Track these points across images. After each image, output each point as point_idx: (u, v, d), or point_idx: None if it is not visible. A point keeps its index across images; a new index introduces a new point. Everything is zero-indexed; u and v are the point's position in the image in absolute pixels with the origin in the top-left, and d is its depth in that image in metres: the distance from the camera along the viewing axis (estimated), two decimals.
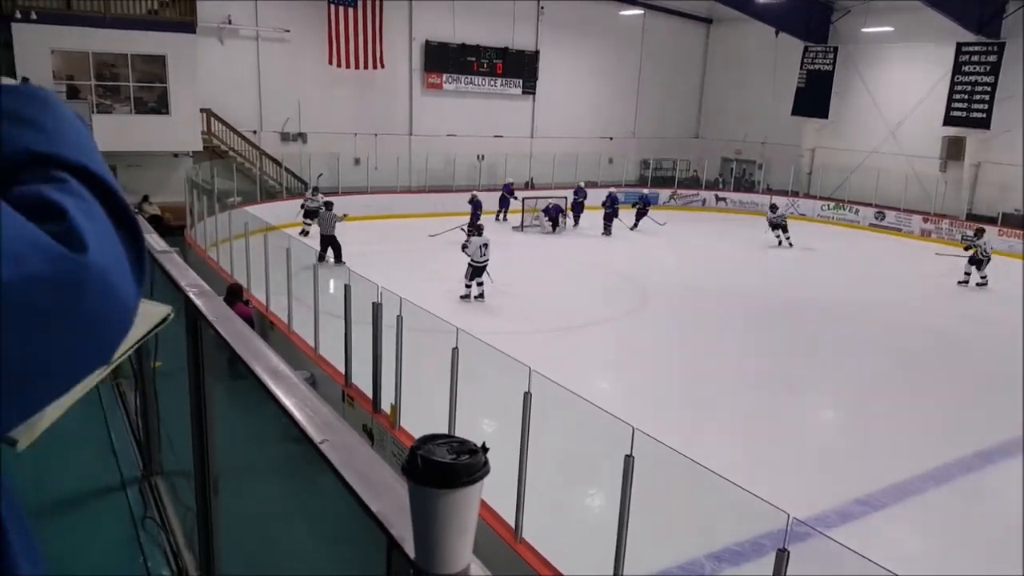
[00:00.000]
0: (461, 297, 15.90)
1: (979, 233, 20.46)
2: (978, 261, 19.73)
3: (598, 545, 5.93)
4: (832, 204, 30.16)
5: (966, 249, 20.23)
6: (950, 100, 27.10)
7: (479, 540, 1.00)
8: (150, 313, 1.19)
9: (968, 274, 19.89)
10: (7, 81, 0.85)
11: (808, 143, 32.12)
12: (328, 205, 19.44)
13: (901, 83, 29.08)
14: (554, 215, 24.88)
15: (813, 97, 31.26)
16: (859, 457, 9.99)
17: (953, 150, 27.57)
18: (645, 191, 27.33)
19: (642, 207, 25.80)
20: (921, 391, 12.58)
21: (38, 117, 0.78)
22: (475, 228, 17.07)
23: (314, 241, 18.32)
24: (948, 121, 27.25)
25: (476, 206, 22.43)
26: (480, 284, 15.95)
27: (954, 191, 27.42)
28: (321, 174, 25.60)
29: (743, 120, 34.11)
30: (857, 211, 29.31)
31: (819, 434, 11.32)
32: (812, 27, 30.93)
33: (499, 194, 26.28)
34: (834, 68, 30.65)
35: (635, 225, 25.56)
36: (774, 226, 23.98)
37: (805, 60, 31.38)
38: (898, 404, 11.91)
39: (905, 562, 7.08)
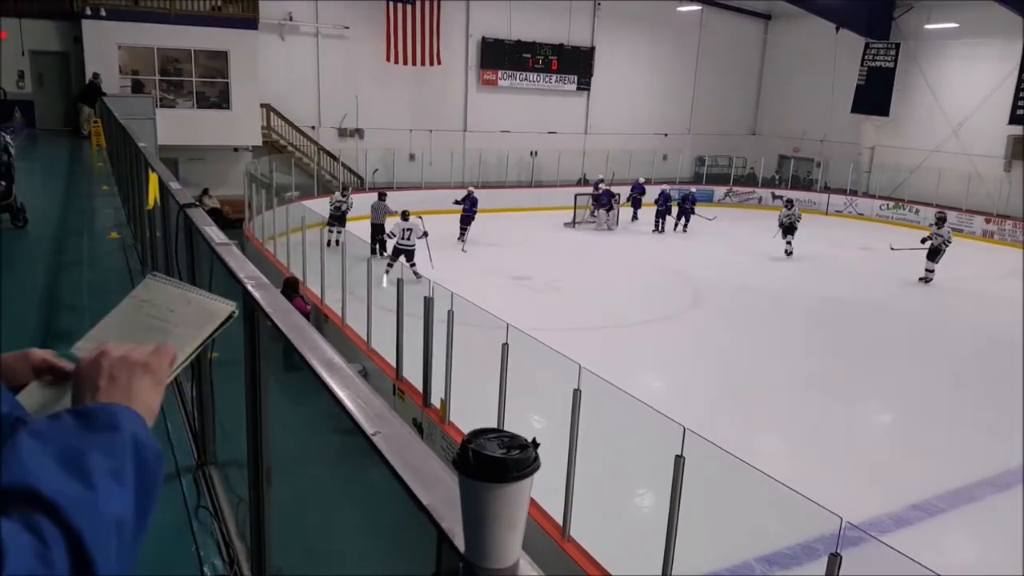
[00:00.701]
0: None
1: (940, 222, 19.13)
2: (935, 251, 18.53)
3: (646, 545, 5.89)
4: (891, 204, 29.45)
5: (923, 242, 18.97)
6: (1016, 98, 26.17)
7: (526, 537, 1.00)
8: (213, 311, 1.17)
9: (930, 271, 18.70)
10: None
11: (867, 141, 31.38)
12: (382, 195, 19.87)
13: (965, 81, 28.21)
14: (606, 201, 24.66)
15: (873, 95, 30.50)
16: (915, 461, 9.76)
17: (1018, 149, 26.68)
18: (692, 189, 26.80)
19: (687, 207, 25.33)
20: (980, 394, 12.23)
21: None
22: (402, 214, 17.19)
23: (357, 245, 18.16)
24: (1014, 120, 26.32)
25: (472, 203, 21.48)
26: (413, 266, 15.80)
27: (1018, 192, 26.54)
28: (376, 170, 25.90)
29: (801, 117, 33.45)
30: (917, 211, 28.52)
31: (874, 437, 11.08)
32: (873, 23, 30.16)
33: (627, 194, 25.93)
34: (895, 65, 29.85)
35: (685, 227, 25.20)
36: (785, 228, 21.64)
37: (866, 57, 30.64)
38: (956, 407, 11.61)
39: (961, 570, 6.91)
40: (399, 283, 9.87)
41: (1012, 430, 10.82)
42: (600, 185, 25.76)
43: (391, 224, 16.83)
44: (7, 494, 0.74)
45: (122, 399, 0.92)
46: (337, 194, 20.25)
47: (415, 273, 14.97)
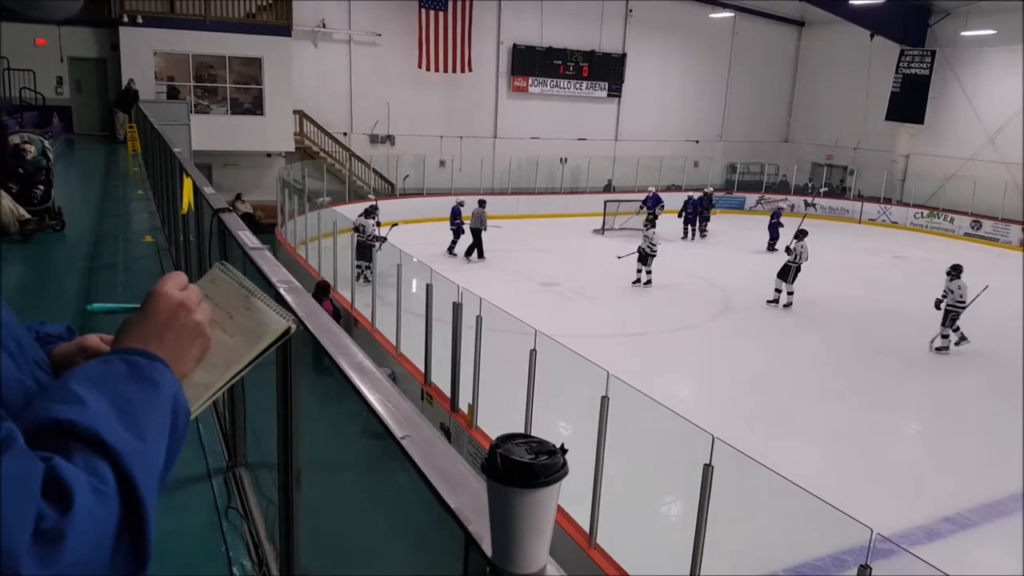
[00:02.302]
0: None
1: (801, 234, 16.85)
2: (784, 270, 16.44)
3: (672, 554, 5.85)
4: (926, 212, 29.02)
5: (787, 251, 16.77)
6: None
7: (553, 543, 1.01)
8: (268, 324, 1.09)
9: (778, 291, 16.64)
10: None
11: (902, 149, 30.98)
12: (482, 203, 20.51)
13: (1002, 88, 27.76)
14: (652, 206, 24.55)
15: (908, 102, 30.10)
16: (947, 473, 9.62)
17: None
18: (709, 188, 26.39)
19: (703, 210, 24.98)
20: (1013, 405, 11.99)
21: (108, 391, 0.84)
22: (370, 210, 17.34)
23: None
24: None
25: (454, 214, 21.04)
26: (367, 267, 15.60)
27: None
28: (407, 176, 26.03)
29: (835, 125, 33.10)
30: (952, 220, 28.12)
31: (905, 448, 10.92)
32: (909, 30, 29.78)
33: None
34: (931, 72, 29.44)
35: (703, 231, 24.95)
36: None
37: (901, 64, 30.25)
38: (987, 418, 11.42)
39: None
40: (428, 288, 9.91)
41: None
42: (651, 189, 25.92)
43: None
44: (66, 431, 0.77)
45: (169, 357, 0.95)
46: (360, 218, 17.21)
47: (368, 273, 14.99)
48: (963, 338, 14.50)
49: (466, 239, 20.30)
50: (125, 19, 20.70)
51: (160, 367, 0.91)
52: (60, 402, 0.80)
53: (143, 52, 21.04)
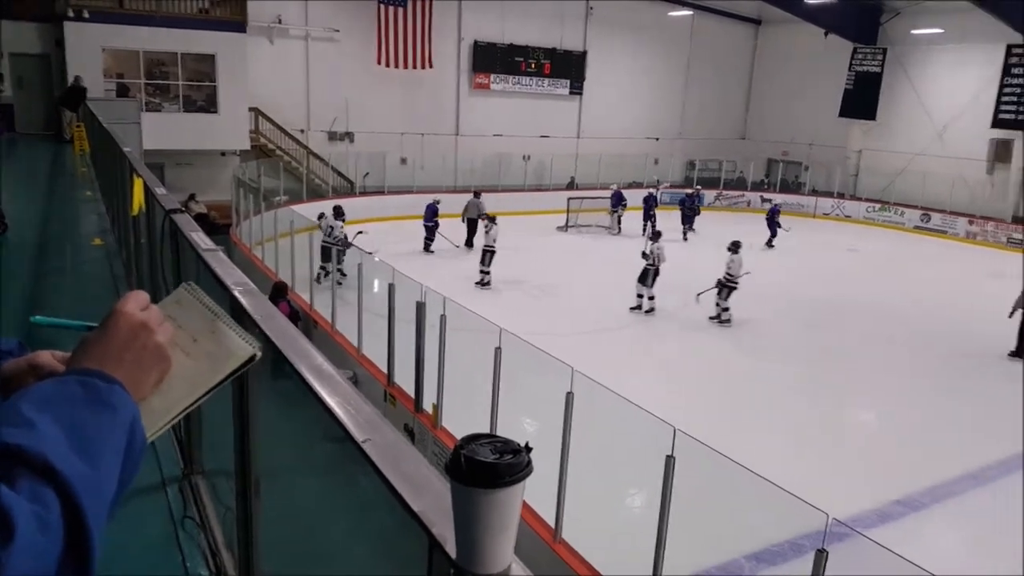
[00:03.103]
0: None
1: (656, 236, 16.42)
2: (643, 274, 15.58)
3: (637, 546, 5.89)
4: (878, 206, 29.71)
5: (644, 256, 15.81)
6: (999, 102, 26.59)
7: (518, 540, 1.00)
8: (233, 351, 1.04)
9: (640, 296, 15.67)
10: None
11: (855, 145, 31.65)
12: (476, 194, 21.50)
13: (949, 85, 28.58)
14: (615, 204, 24.75)
15: (861, 99, 30.78)
16: (898, 458, 9.88)
17: (1001, 152, 27.06)
18: (689, 190, 26.68)
19: (686, 211, 25.01)
20: (961, 391, 12.37)
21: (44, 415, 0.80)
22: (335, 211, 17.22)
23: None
24: (996, 123, 26.75)
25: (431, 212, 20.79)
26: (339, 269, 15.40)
27: (1001, 194, 26.91)
28: (367, 173, 25.83)
29: (790, 122, 33.69)
30: (903, 213, 28.83)
31: (858, 434, 11.24)
32: (861, 29, 30.42)
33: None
34: (883, 70, 30.14)
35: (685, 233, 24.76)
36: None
37: (853, 62, 30.89)
38: (938, 404, 11.75)
39: (944, 563, 6.92)
40: (390, 288, 9.84)
41: (991, 425, 10.94)
42: (613, 186, 26.05)
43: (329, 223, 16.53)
44: (14, 456, 0.74)
45: (127, 380, 0.91)
46: (328, 220, 16.90)
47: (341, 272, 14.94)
48: (724, 316, 15.17)
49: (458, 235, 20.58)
50: (71, 14, 20.13)
51: (118, 390, 0.88)
52: (9, 425, 0.76)
53: (90, 48, 20.49)
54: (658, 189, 26.13)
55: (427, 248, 20.49)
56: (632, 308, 15.71)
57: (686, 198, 25.31)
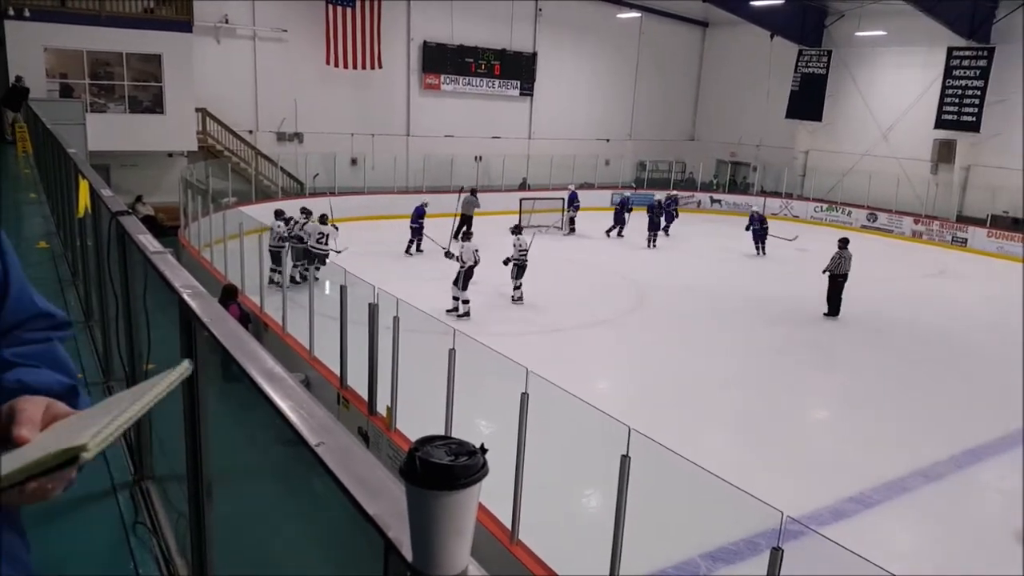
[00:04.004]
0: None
1: (467, 236, 16.70)
2: (457, 277, 15.08)
3: (594, 546, 5.92)
4: (825, 206, 30.31)
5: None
6: (941, 104, 27.32)
7: (475, 542, 0.99)
8: (163, 378, 1.09)
9: (456, 298, 14.96)
10: None
11: (802, 146, 32.26)
12: (473, 191, 22.48)
13: (893, 87, 29.27)
14: (569, 204, 24.92)
15: (807, 100, 31.39)
16: (852, 455, 10.04)
17: (944, 153, 27.79)
18: (659, 196, 26.23)
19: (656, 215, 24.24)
20: (911, 389, 12.67)
21: None
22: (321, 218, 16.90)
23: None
24: (939, 124, 27.48)
25: (418, 214, 20.80)
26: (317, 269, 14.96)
27: (945, 193, 27.65)
28: (317, 174, 25.59)
29: (738, 123, 34.22)
30: (850, 213, 29.46)
31: (812, 433, 11.37)
32: (806, 31, 31.03)
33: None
34: (828, 71, 30.77)
35: (653, 239, 24.02)
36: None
37: (799, 63, 31.48)
38: (889, 402, 12.00)
39: (898, 558, 7.12)
40: (342, 290, 9.75)
41: (940, 422, 11.24)
42: (570, 186, 26.33)
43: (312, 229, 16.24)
44: None
45: None
46: (299, 220, 16.71)
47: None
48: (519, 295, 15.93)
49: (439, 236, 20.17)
50: (11, 12, 19.61)
51: None
52: None
53: (32, 47, 19.96)
54: (668, 200, 25.90)
55: (408, 250, 20.48)
56: (448, 311, 14.77)
57: (655, 204, 24.71)
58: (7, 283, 1.25)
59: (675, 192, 27.64)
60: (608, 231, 25.15)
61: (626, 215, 25.22)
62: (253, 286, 13.36)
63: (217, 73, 24.31)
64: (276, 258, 15.35)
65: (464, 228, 20.62)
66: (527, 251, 16.08)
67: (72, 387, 1.20)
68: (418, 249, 20.46)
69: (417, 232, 20.46)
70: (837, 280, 16.20)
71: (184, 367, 1.12)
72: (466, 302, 15.07)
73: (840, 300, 16.18)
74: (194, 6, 22.64)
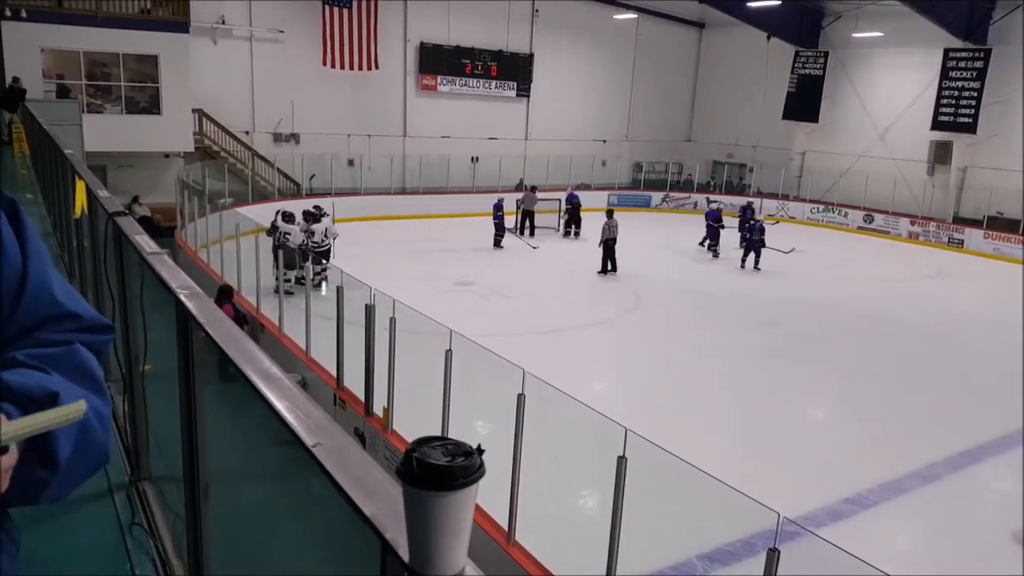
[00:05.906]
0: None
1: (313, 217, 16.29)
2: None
3: (591, 547, 5.92)
4: (821, 207, 30.34)
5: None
6: (937, 105, 27.35)
7: (472, 542, 1.00)
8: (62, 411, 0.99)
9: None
10: None
11: (798, 147, 32.29)
12: (532, 188, 24.01)
13: (890, 88, 29.31)
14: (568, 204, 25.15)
15: (804, 101, 31.42)
16: (848, 456, 10.05)
17: (940, 154, 27.83)
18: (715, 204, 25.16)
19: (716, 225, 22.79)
20: (908, 390, 12.68)
21: None
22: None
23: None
24: (935, 126, 27.51)
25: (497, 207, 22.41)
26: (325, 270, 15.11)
27: (941, 195, 27.70)
28: (314, 175, 25.56)
29: (735, 124, 34.25)
30: (846, 214, 29.49)
31: (809, 434, 11.37)
32: (803, 32, 31.07)
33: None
34: (824, 73, 30.81)
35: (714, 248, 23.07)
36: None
37: (796, 65, 31.51)
38: (886, 403, 12.00)
39: (894, 559, 7.12)
40: (339, 290, 9.74)
41: (937, 423, 11.25)
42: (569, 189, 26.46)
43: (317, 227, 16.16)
44: None
45: None
46: (299, 220, 16.27)
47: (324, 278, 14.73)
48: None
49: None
50: (7, 13, 19.58)
51: None
52: None
53: (29, 48, 19.93)
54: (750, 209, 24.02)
55: (497, 244, 21.88)
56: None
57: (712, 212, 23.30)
58: (24, 277, 1.12)
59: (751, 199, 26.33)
60: (706, 245, 23.17)
61: (721, 230, 22.86)
62: (250, 287, 13.34)
63: (214, 74, 24.29)
64: (291, 263, 14.71)
65: (528, 222, 23.42)
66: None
67: (55, 395, 1.04)
68: (497, 244, 21.90)
69: (499, 227, 21.92)
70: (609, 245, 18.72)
71: (79, 406, 0.99)
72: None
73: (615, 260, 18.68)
74: (191, 7, 22.60)
